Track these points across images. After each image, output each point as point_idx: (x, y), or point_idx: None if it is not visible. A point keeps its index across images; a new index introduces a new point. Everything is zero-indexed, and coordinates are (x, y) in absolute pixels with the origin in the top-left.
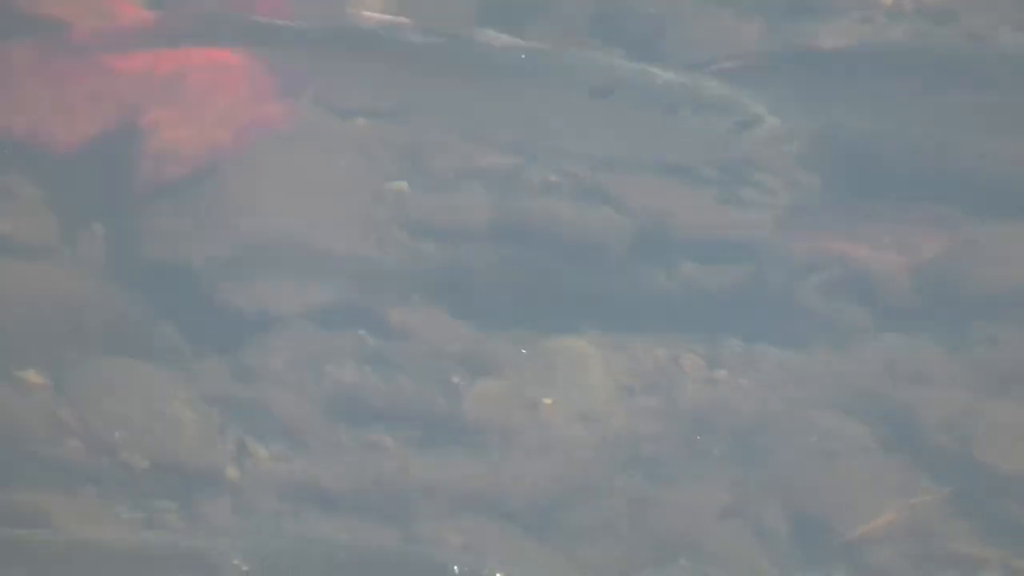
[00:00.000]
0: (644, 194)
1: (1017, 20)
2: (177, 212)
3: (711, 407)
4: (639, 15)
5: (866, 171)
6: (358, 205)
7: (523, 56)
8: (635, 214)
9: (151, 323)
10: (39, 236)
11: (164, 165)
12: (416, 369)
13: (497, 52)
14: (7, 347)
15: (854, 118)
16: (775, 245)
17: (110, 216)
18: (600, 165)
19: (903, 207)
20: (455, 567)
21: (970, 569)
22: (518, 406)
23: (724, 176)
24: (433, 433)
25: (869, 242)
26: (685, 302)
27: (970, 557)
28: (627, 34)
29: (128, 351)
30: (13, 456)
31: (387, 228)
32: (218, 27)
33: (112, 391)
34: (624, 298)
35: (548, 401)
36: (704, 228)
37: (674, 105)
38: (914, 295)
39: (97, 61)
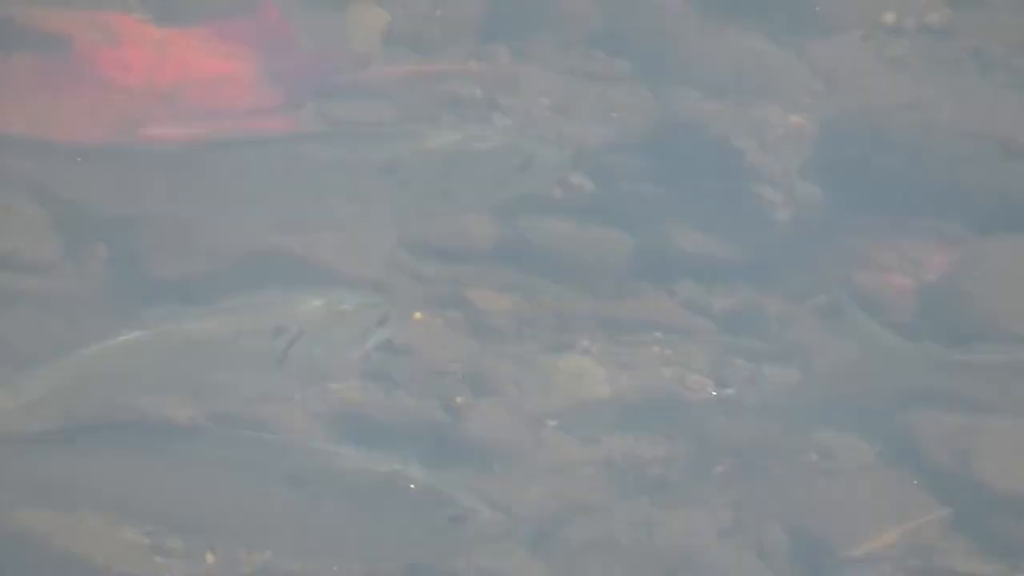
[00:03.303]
0: (644, 208)
1: (1018, 37)
2: (178, 227)
3: (714, 427)
4: (643, 29)
5: (869, 185)
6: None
7: None
8: (636, 228)
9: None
10: (40, 253)
11: None
12: (418, 387)
13: None
14: (12, 363)
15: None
16: (777, 260)
17: (112, 232)
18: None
19: (906, 222)
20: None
21: None
22: (522, 426)
23: (726, 189)
24: (435, 452)
25: (871, 258)
26: (687, 319)
27: (968, 572)
28: (631, 48)
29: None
30: (15, 473)
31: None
32: None
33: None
34: (627, 315)
35: (553, 423)
36: (705, 243)
37: None
38: (917, 311)
39: (99, 74)
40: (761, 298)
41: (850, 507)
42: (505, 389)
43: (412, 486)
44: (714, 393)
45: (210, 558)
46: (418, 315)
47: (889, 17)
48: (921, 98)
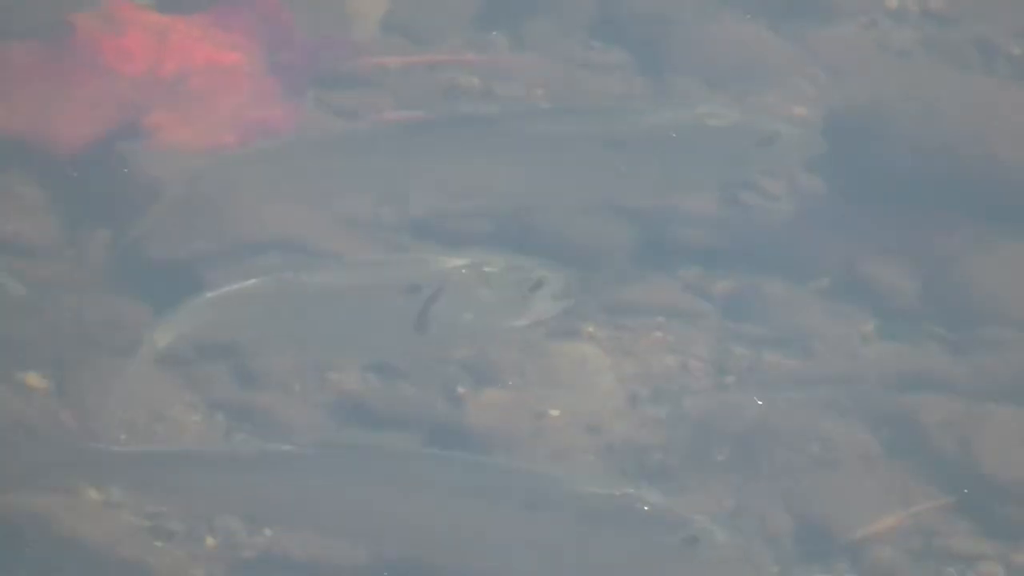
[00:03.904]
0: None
1: (1020, 24)
2: (179, 213)
3: (716, 413)
4: (641, 15)
5: (871, 173)
6: (361, 208)
7: None
8: (638, 217)
9: (153, 325)
10: (41, 237)
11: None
12: (420, 376)
13: None
14: (8, 349)
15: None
16: (778, 248)
17: (112, 217)
18: None
19: (909, 211)
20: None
21: (968, 564)
22: (524, 415)
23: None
24: (438, 442)
25: (873, 246)
26: (689, 303)
27: (969, 553)
28: (629, 35)
29: (130, 353)
30: (14, 459)
31: (391, 232)
32: None
33: (114, 393)
34: (629, 299)
35: (555, 412)
36: (707, 232)
37: None
38: (919, 301)
39: (100, 62)
40: (763, 283)
41: (852, 494)
42: (508, 377)
43: (646, 508)
44: (715, 380)
45: (210, 541)
46: None
47: (892, 2)
48: (923, 88)
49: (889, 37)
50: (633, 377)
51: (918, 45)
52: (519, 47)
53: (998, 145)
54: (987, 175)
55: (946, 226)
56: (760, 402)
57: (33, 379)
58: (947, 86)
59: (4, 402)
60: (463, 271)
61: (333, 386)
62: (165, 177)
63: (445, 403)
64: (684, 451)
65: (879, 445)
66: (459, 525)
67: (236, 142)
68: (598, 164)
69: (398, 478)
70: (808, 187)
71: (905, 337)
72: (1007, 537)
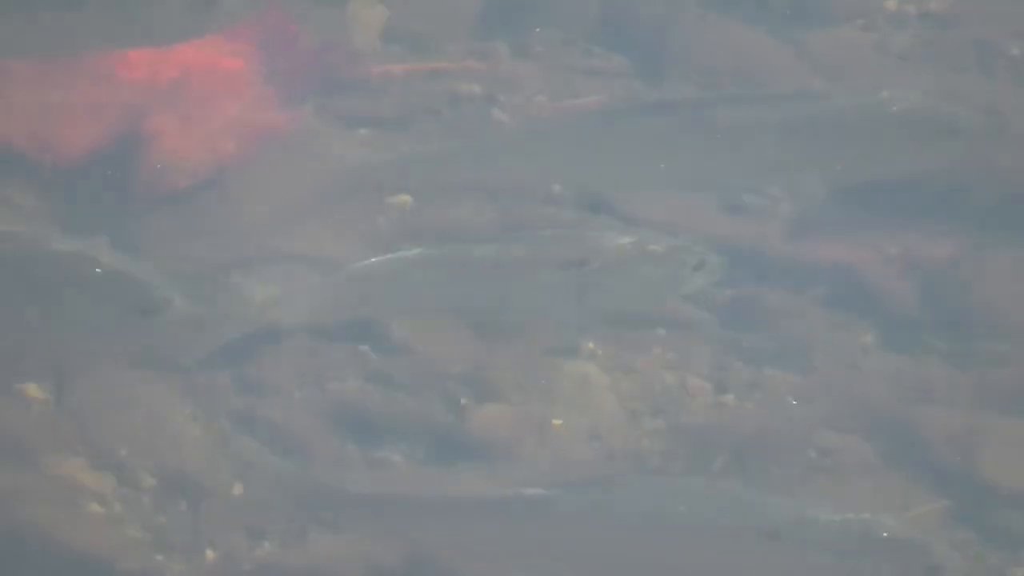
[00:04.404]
0: (647, 204)
1: (1021, 26)
2: (179, 221)
3: (714, 422)
4: (642, 20)
5: (871, 182)
6: (361, 216)
7: None
8: (639, 225)
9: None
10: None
11: (167, 173)
12: (420, 388)
13: None
14: (7, 359)
15: None
16: (779, 256)
17: (112, 225)
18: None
19: (909, 219)
20: None
21: None
22: (526, 425)
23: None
24: (438, 452)
25: (874, 255)
26: (689, 314)
27: (967, 566)
28: (630, 39)
29: (130, 363)
30: (15, 473)
31: (391, 240)
32: None
33: (115, 405)
34: (629, 312)
35: (557, 423)
36: (708, 238)
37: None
38: (920, 310)
39: (99, 69)
40: (763, 293)
41: (852, 503)
42: (509, 392)
43: (885, 534)
44: (714, 394)
45: (210, 554)
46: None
47: (891, 4)
48: (922, 91)
49: (888, 39)
50: (633, 392)
51: (916, 47)
52: (520, 54)
53: (995, 151)
54: (985, 181)
55: (945, 232)
56: (794, 402)
57: (32, 390)
58: (945, 89)
59: (3, 412)
60: (629, 248)
61: (333, 395)
62: (167, 185)
63: (447, 414)
64: (683, 459)
65: (879, 455)
66: (701, 555)
67: (236, 148)
68: (785, 148)
69: (633, 509)
70: (808, 194)
71: (905, 348)
72: (1007, 550)
